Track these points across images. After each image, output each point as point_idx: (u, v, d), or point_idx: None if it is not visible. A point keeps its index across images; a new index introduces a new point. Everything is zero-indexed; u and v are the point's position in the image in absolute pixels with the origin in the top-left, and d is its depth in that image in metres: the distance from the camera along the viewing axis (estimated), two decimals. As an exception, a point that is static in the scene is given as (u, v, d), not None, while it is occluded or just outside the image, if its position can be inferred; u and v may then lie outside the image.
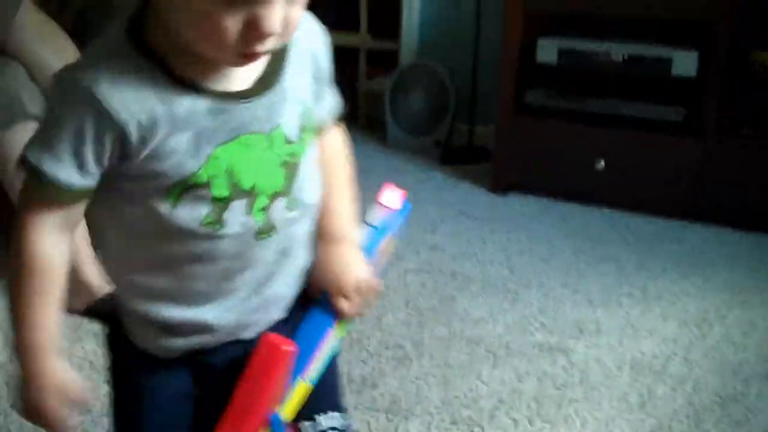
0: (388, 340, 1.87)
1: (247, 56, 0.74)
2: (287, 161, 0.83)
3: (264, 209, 0.83)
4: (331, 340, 0.92)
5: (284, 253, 0.88)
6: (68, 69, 0.77)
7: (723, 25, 2.51)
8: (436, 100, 3.45)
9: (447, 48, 3.53)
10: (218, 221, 0.81)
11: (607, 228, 2.62)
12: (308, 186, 0.87)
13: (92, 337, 1.82)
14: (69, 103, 0.75)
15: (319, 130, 0.91)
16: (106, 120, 0.74)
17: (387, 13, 3.78)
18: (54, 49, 1.90)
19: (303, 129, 0.84)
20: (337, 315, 0.91)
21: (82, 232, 1.89)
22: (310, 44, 0.87)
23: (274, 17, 0.71)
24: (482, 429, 1.55)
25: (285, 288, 0.91)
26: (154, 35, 0.76)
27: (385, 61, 3.81)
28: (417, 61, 3.59)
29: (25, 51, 1.86)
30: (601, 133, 2.76)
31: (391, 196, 1.04)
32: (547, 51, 2.78)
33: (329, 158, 0.95)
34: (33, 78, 1.86)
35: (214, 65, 0.77)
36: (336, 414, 0.95)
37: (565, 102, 2.81)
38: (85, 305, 1.88)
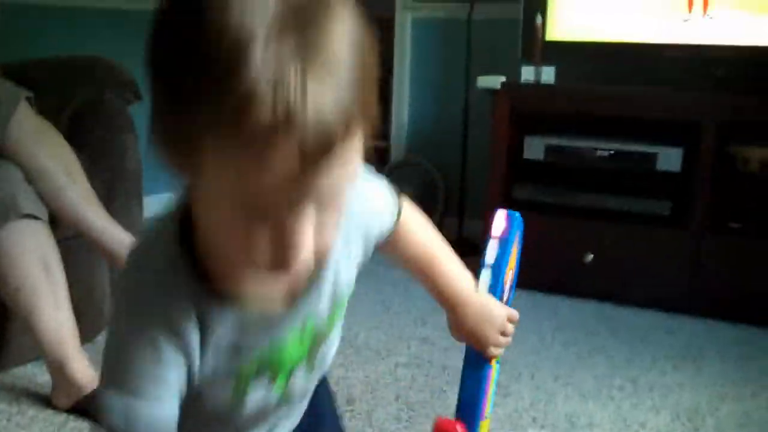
0: (378, 435, 1.86)
1: (278, 270, 0.65)
2: (314, 338, 0.82)
3: (285, 380, 0.81)
4: (491, 377, 0.98)
5: (299, 402, 0.90)
6: (125, 289, 0.73)
7: (708, 123, 2.58)
8: (425, 196, 3.50)
9: (436, 145, 3.60)
10: (241, 396, 0.79)
11: (596, 320, 2.63)
12: (329, 352, 0.87)
13: (78, 435, 1.79)
14: (136, 330, 0.70)
15: (386, 239, 0.92)
16: (173, 338, 0.69)
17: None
18: (50, 151, 1.94)
19: (333, 306, 0.82)
20: (490, 359, 0.97)
21: (72, 328, 1.89)
22: (365, 226, 0.84)
23: (302, 232, 0.62)
24: None
25: (294, 421, 0.92)
26: (198, 241, 0.70)
27: (374, 157, 3.88)
28: (406, 158, 3.65)
29: (22, 152, 1.89)
30: (589, 227, 2.79)
31: (498, 223, 1.03)
32: (534, 148, 2.84)
33: (413, 236, 0.96)
34: (28, 179, 1.89)
35: (251, 277, 0.71)
36: None
37: (552, 197, 2.85)
38: (73, 402, 1.86)
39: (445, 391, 2.07)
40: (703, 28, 2.72)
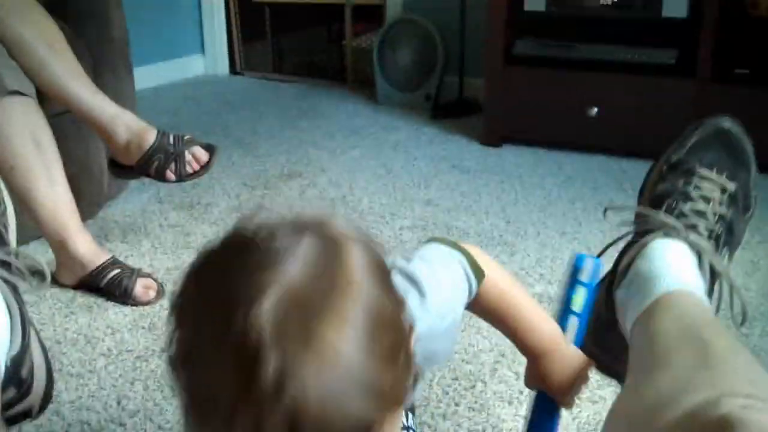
0: (385, 298, 1.86)
1: None
2: None
3: None
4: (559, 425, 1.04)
5: None
6: None
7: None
8: (424, 55, 3.40)
9: (433, 1, 3.47)
10: None
11: (603, 174, 2.60)
12: None
13: (86, 312, 1.79)
14: None
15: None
16: None
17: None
18: (31, 24, 1.86)
19: None
20: (560, 406, 1.02)
21: (70, 204, 1.86)
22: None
23: None
24: (484, 384, 1.53)
25: None
26: None
27: (371, 17, 3.76)
28: (403, 16, 3.53)
29: (4, 28, 1.82)
30: (593, 79, 2.72)
31: (587, 269, 1.07)
32: (535, -1, 2.74)
33: (499, 295, 0.99)
34: (12, 55, 1.82)
35: None
36: None
37: (554, 50, 2.76)
38: (79, 278, 1.86)
39: (451, 251, 2.06)
40: None
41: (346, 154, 2.83)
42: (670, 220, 1.06)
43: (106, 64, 2.14)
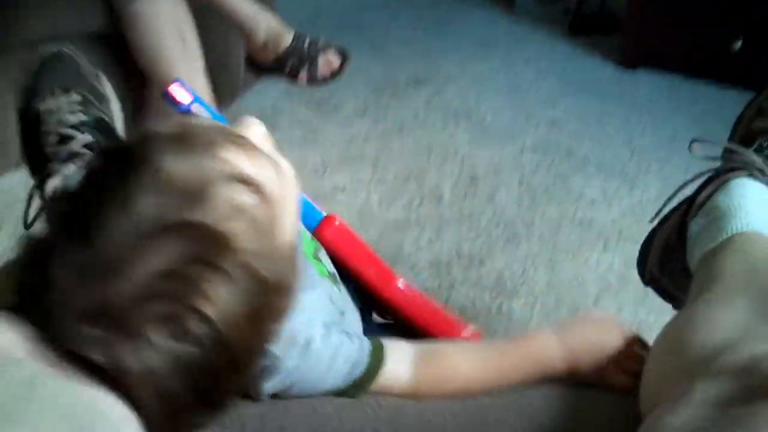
0: (499, 217, 1.89)
1: None
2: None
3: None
4: None
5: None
6: None
7: None
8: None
9: None
10: None
11: (737, 111, 2.50)
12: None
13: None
14: None
15: None
16: None
17: None
18: None
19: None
20: None
21: (208, 95, 1.94)
22: None
23: None
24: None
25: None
26: None
27: None
28: None
29: None
30: (741, 10, 2.59)
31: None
32: None
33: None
34: None
35: None
36: None
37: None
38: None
39: (568, 177, 2.06)
40: None
41: (476, 64, 2.81)
42: (758, 160, 1.05)
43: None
